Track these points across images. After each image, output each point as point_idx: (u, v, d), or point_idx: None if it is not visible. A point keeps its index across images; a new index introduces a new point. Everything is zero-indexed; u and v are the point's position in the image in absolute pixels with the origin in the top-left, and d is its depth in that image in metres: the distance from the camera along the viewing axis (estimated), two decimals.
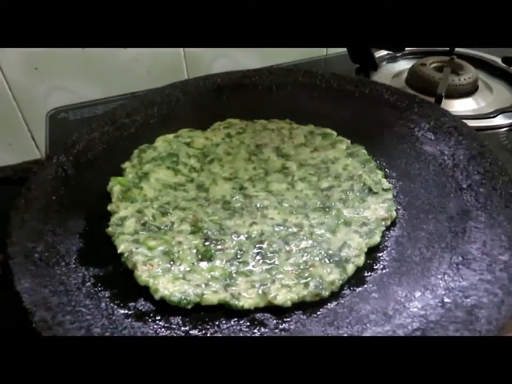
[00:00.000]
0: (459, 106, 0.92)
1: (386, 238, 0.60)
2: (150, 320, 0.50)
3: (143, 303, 0.52)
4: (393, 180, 0.68)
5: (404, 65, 1.06)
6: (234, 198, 0.66)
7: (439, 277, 0.53)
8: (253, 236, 0.60)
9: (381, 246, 0.59)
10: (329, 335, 0.48)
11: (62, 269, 0.55)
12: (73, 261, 0.57)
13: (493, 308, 0.47)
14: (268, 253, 0.57)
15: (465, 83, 0.94)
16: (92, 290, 0.53)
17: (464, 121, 0.74)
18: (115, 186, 0.67)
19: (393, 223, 0.62)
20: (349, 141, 0.75)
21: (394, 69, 1.07)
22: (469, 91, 0.94)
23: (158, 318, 0.51)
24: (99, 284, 0.54)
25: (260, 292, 0.52)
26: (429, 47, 0.99)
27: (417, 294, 0.52)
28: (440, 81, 0.90)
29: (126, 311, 0.51)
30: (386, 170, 0.70)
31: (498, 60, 1.03)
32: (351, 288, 0.54)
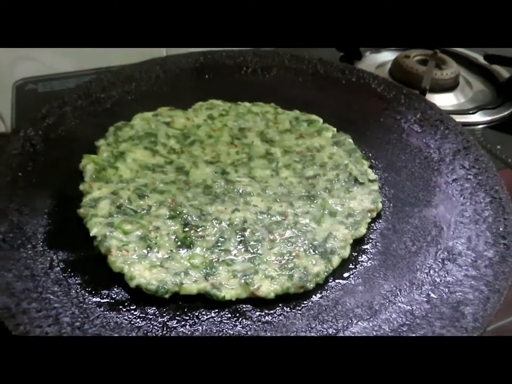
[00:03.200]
0: (440, 100, 0.91)
1: (372, 230, 0.59)
2: (124, 309, 0.47)
3: (117, 291, 0.49)
4: (379, 171, 0.67)
5: (388, 56, 1.05)
6: (215, 183, 0.63)
7: (425, 271, 0.53)
8: (235, 223, 0.57)
9: (365, 238, 0.57)
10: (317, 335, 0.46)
11: (28, 252, 0.51)
12: (41, 243, 0.52)
13: (479, 305, 0.47)
14: (251, 242, 0.55)
15: (447, 78, 0.93)
16: (61, 276, 0.49)
17: None
18: (88, 164, 0.62)
19: (379, 215, 0.60)
20: (335, 129, 0.73)
21: (378, 59, 1.06)
22: (450, 86, 0.94)
23: (133, 307, 0.47)
24: (69, 269, 0.50)
25: (242, 282, 0.50)
26: (415, 48, 0.99)
27: (403, 288, 0.51)
28: (424, 75, 0.89)
29: (99, 299, 0.48)
30: (372, 161, 0.69)
31: (480, 57, 1.03)
32: (336, 280, 0.52)
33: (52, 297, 0.46)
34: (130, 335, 0.45)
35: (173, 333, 0.45)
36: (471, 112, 0.89)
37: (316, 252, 0.54)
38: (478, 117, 0.88)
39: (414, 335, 0.45)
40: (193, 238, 0.54)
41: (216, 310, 0.48)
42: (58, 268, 0.50)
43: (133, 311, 0.47)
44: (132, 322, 0.46)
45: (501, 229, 0.54)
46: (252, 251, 0.54)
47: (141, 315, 0.47)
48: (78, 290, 0.48)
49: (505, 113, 0.88)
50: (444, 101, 0.92)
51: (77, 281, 0.49)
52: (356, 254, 0.55)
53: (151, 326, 0.46)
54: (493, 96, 0.94)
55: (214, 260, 0.52)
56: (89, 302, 0.47)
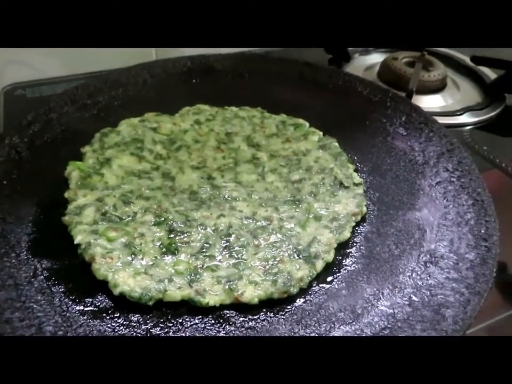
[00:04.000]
0: (427, 102, 0.92)
1: (356, 234, 0.59)
2: (108, 317, 0.47)
3: (101, 299, 0.49)
4: (364, 175, 0.68)
5: (376, 58, 1.06)
6: (201, 188, 0.63)
7: (407, 274, 0.53)
8: (220, 228, 0.57)
9: (350, 242, 0.58)
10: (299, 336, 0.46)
11: (12, 261, 0.51)
12: (24, 251, 0.53)
13: (459, 308, 0.47)
14: (236, 247, 0.55)
15: (434, 79, 0.94)
16: (45, 285, 0.49)
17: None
18: (73, 171, 0.62)
19: (363, 219, 0.61)
20: (321, 133, 0.74)
21: (367, 61, 1.06)
22: (437, 88, 0.95)
23: (117, 315, 0.48)
24: (53, 278, 0.50)
25: (226, 288, 0.50)
26: (404, 49, 0.99)
27: (386, 292, 0.51)
28: (412, 76, 0.89)
29: (82, 308, 0.48)
30: (357, 164, 0.69)
31: (467, 59, 1.04)
32: (320, 284, 0.53)
33: (35, 306, 0.46)
34: (111, 336, 0.45)
35: None
36: (458, 113, 0.89)
37: (300, 256, 0.54)
38: (465, 118, 0.88)
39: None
40: (178, 244, 0.55)
41: (200, 316, 0.48)
42: (42, 277, 0.50)
43: (116, 319, 0.47)
44: (116, 330, 0.46)
45: (482, 231, 0.55)
46: (236, 256, 0.54)
47: (124, 323, 0.47)
48: (61, 299, 0.48)
49: (492, 114, 0.89)
50: (431, 102, 0.93)
51: (60, 290, 0.49)
52: (340, 257, 0.56)
53: (135, 334, 0.46)
54: (480, 97, 0.95)
55: (198, 266, 0.53)
56: (73, 311, 0.47)
